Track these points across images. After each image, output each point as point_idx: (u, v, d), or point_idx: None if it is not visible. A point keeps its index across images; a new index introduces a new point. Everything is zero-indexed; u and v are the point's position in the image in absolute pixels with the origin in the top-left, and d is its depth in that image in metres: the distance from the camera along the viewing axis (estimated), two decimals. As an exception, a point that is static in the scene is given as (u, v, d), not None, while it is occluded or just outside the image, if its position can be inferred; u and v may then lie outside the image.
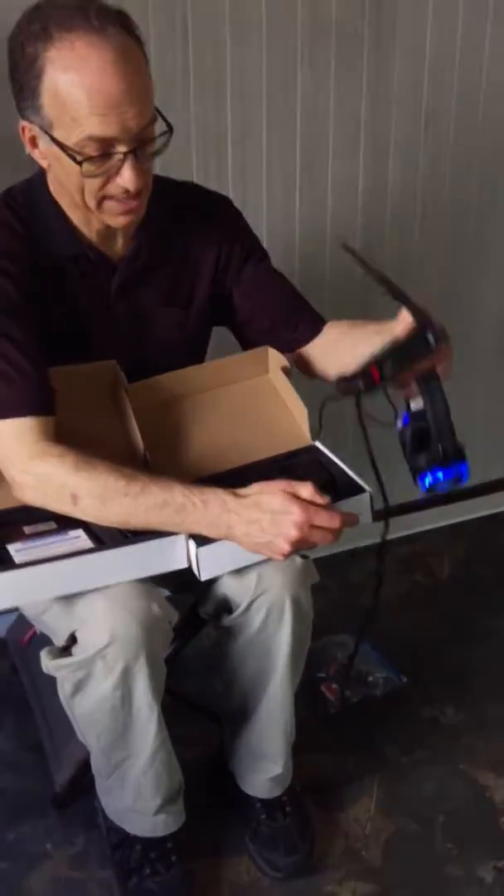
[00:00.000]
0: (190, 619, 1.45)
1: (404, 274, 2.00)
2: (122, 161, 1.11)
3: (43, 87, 1.08)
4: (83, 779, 1.43)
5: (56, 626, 1.23)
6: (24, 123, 1.14)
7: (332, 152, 1.82)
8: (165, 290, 1.32)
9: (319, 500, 1.09)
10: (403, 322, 1.16)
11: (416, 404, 1.18)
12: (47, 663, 1.21)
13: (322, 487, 1.21)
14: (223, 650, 1.38)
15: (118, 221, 1.20)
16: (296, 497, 1.08)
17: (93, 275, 1.27)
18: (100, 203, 1.16)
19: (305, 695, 1.46)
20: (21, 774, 1.61)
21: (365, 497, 1.23)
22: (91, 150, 1.09)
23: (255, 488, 1.11)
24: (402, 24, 1.78)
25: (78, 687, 1.20)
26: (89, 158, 1.10)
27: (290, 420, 1.35)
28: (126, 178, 1.12)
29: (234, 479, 1.26)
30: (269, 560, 1.22)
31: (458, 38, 1.83)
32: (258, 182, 1.78)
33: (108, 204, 1.16)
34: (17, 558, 1.10)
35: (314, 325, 1.38)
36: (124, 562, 1.14)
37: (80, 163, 1.10)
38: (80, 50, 1.05)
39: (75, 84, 1.06)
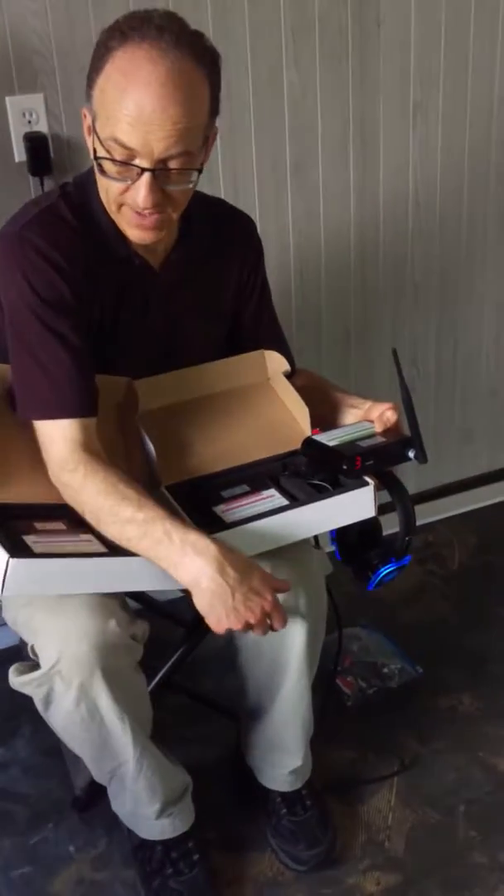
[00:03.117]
0: (202, 618, 1.46)
1: (398, 268, 2.02)
2: (140, 175, 1.13)
3: (99, 79, 1.13)
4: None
5: (24, 636, 1.24)
6: (84, 109, 1.18)
7: (321, 149, 1.83)
8: (200, 303, 1.35)
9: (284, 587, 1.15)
10: (381, 422, 1.29)
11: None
12: (13, 680, 1.21)
13: (325, 480, 1.24)
14: (237, 645, 1.38)
15: (133, 234, 1.21)
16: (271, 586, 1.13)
17: (137, 280, 1.28)
18: (119, 208, 1.18)
19: (321, 688, 1.46)
20: (42, 779, 1.62)
21: (367, 490, 1.23)
22: (115, 153, 1.12)
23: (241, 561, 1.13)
24: (386, 17, 1.78)
25: (46, 702, 1.20)
26: (110, 159, 1.13)
27: (291, 421, 1.36)
28: (139, 192, 1.14)
29: (238, 476, 1.28)
30: (280, 551, 1.23)
31: (442, 29, 1.84)
32: (249, 183, 1.79)
33: (125, 211, 1.18)
34: (36, 549, 1.10)
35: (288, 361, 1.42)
36: (136, 569, 1.15)
37: (98, 159, 1.14)
38: (138, 60, 1.09)
39: (119, 87, 1.10)
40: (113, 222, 1.23)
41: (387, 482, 1.27)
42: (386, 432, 1.29)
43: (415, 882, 1.42)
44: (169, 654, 1.46)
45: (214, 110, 1.18)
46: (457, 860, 1.45)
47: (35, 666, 1.20)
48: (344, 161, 1.86)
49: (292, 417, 1.36)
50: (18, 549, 1.09)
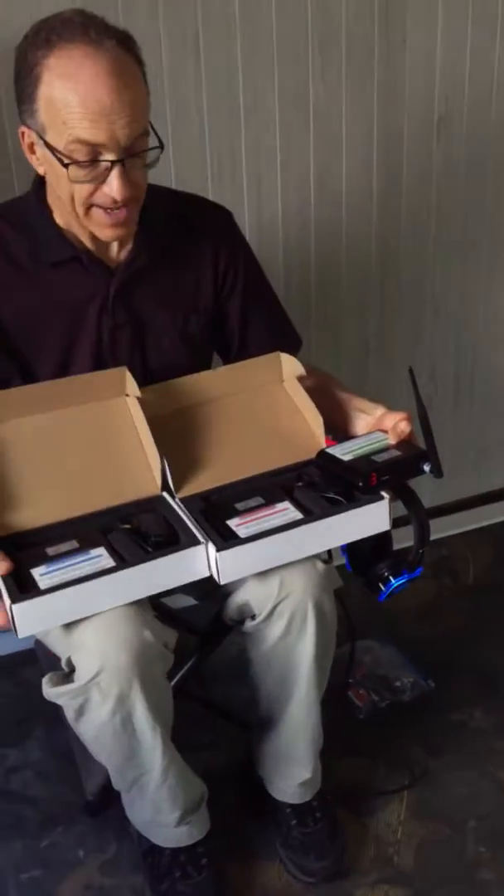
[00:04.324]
0: (215, 625, 1.46)
1: (418, 278, 2.02)
2: (109, 170, 1.14)
3: (39, 93, 1.13)
4: (114, 787, 1.44)
5: (57, 650, 1.24)
6: (22, 128, 1.18)
7: (345, 162, 1.84)
8: (164, 295, 1.34)
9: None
10: (395, 433, 1.28)
11: None
12: (48, 691, 1.21)
13: (339, 493, 1.24)
14: (248, 656, 1.38)
15: (105, 234, 1.22)
16: None
17: (90, 280, 1.29)
18: (87, 211, 1.19)
19: (333, 700, 1.46)
20: (52, 783, 1.63)
21: (382, 504, 1.23)
22: (79, 155, 1.13)
23: None
24: (412, 33, 1.79)
25: (79, 713, 1.20)
26: (76, 163, 1.13)
27: (305, 429, 1.35)
28: (113, 187, 1.15)
29: (252, 487, 1.27)
30: (291, 564, 1.24)
31: (468, 45, 1.85)
32: (273, 193, 1.80)
33: (95, 213, 1.19)
34: (42, 583, 1.10)
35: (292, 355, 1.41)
36: (146, 577, 1.14)
37: (66, 165, 1.14)
38: (77, 59, 1.10)
39: (68, 90, 1.10)
40: (58, 230, 1.26)
41: (402, 494, 1.27)
42: (400, 444, 1.29)
43: (423, 897, 1.42)
44: (182, 662, 1.46)
45: (147, 88, 1.19)
46: (465, 876, 1.45)
47: (68, 676, 1.20)
48: (367, 172, 1.87)
49: (306, 425, 1.35)
50: (24, 590, 1.09)
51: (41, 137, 1.15)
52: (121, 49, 1.13)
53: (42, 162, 1.20)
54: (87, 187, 1.16)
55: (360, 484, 1.22)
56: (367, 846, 1.50)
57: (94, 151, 1.13)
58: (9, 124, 1.54)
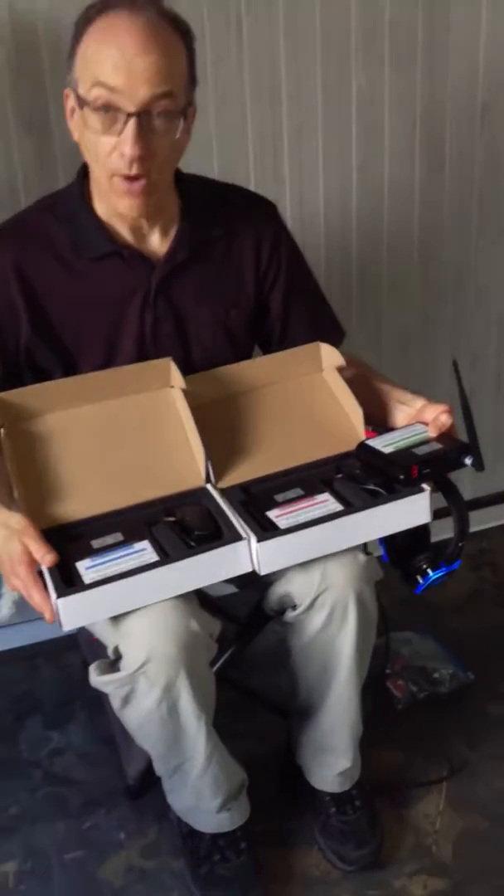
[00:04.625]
0: (255, 615, 1.47)
1: (461, 268, 2.01)
2: (125, 123, 1.15)
3: (78, 50, 1.18)
4: (154, 772, 1.46)
5: (104, 639, 1.26)
6: (66, 90, 1.22)
7: (387, 151, 1.83)
8: (205, 289, 1.35)
9: (45, 562, 1.13)
10: (436, 426, 1.28)
11: None
12: (95, 679, 1.23)
13: (379, 485, 1.24)
14: (288, 647, 1.39)
15: (124, 204, 1.22)
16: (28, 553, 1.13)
17: (131, 274, 1.30)
18: (110, 179, 1.20)
19: (372, 691, 1.46)
20: (94, 766, 1.65)
21: (423, 497, 1.22)
22: (98, 100, 1.15)
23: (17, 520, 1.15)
24: (456, 19, 1.78)
25: (125, 701, 1.22)
26: (95, 108, 1.15)
27: (344, 420, 1.35)
28: (126, 139, 1.16)
29: (291, 478, 1.28)
30: (332, 556, 1.25)
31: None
32: (315, 180, 1.80)
33: (115, 182, 1.20)
34: (87, 577, 1.12)
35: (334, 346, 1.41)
36: (189, 572, 1.15)
37: (83, 106, 1.17)
38: (116, 21, 1.16)
39: (100, 41, 1.15)
40: (100, 222, 1.27)
41: (442, 486, 1.27)
42: (441, 437, 1.28)
43: (461, 889, 1.42)
44: (222, 650, 1.48)
45: (193, 78, 1.22)
46: (504, 869, 1.45)
47: (114, 664, 1.21)
48: (410, 162, 1.86)
49: (346, 416, 1.35)
50: (69, 584, 1.11)
51: (75, 92, 1.19)
52: (161, 19, 1.17)
53: (76, 126, 1.22)
54: (106, 145, 1.17)
55: (401, 477, 1.22)
56: (406, 836, 1.50)
57: (113, 98, 1.15)
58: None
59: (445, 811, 1.54)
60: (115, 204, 1.24)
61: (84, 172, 1.30)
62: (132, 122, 1.15)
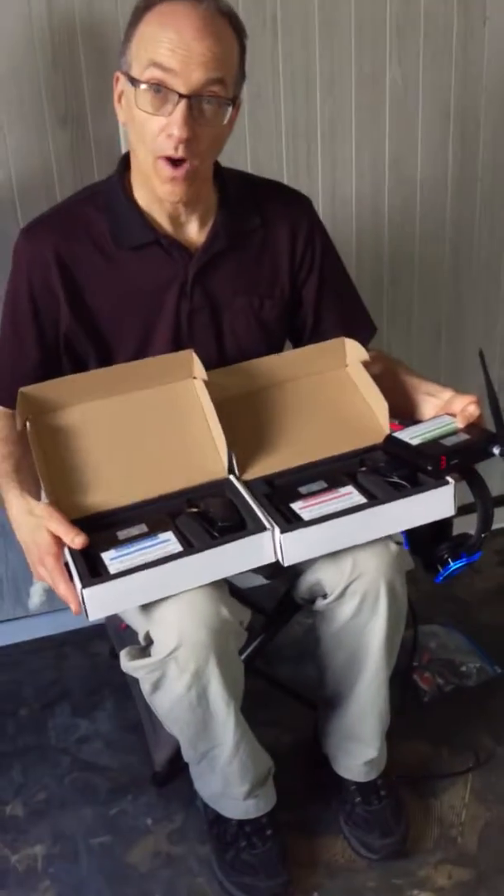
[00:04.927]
0: (284, 604, 1.49)
1: (492, 263, 2.00)
2: (176, 105, 1.17)
3: (136, 32, 1.21)
4: (181, 759, 1.47)
5: (135, 624, 1.27)
6: (117, 73, 1.24)
7: (420, 146, 1.83)
8: (241, 280, 1.36)
9: (75, 545, 1.15)
10: (464, 417, 1.29)
11: None
12: (126, 664, 1.24)
13: (403, 478, 1.24)
14: (318, 635, 1.40)
15: (165, 189, 1.24)
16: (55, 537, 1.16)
17: (169, 263, 1.32)
18: (155, 162, 1.22)
19: (399, 684, 1.47)
20: (122, 753, 1.67)
21: (448, 489, 1.23)
22: (152, 80, 1.17)
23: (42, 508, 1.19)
24: (493, 12, 1.77)
25: (156, 686, 1.23)
26: (148, 86, 1.17)
27: (369, 414, 1.35)
28: (175, 120, 1.17)
29: (315, 471, 1.28)
30: (363, 545, 1.25)
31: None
32: (348, 176, 1.80)
33: (159, 166, 1.22)
34: (112, 567, 1.13)
35: (364, 341, 1.42)
36: (213, 563, 1.16)
37: (136, 84, 1.19)
38: (176, 7, 1.18)
39: (158, 25, 1.18)
40: (140, 212, 1.29)
41: (468, 477, 1.27)
42: (469, 427, 1.28)
43: (487, 879, 1.42)
44: (250, 640, 1.49)
45: (243, 73, 1.25)
46: (530, 861, 1.45)
47: (145, 650, 1.23)
48: (444, 157, 1.86)
49: (370, 410, 1.36)
50: (94, 574, 1.12)
51: (126, 74, 1.21)
52: (217, 12, 1.20)
53: (125, 108, 1.24)
54: (154, 126, 1.19)
55: (430, 468, 1.22)
56: (431, 827, 1.51)
57: (166, 82, 1.17)
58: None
59: (471, 802, 1.55)
60: (156, 188, 1.25)
61: (126, 164, 1.32)
62: (183, 104, 1.17)
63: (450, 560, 1.27)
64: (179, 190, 1.24)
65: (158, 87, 1.17)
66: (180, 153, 1.19)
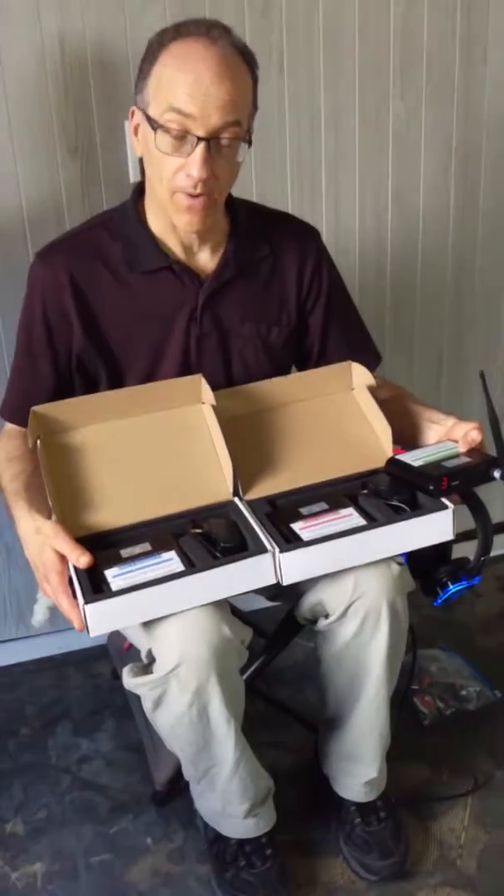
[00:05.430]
0: (286, 624, 1.50)
1: (492, 294, 2.04)
2: (195, 147, 1.21)
3: (153, 70, 1.24)
4: (181, 779, 1.48)
5: (137, 642, 1.29)
6: (133, 108, 1.28)
7: (423, 180, 1.88)
8: (249, 307, 1.40)
9: (80, 564, 1.16)
10: (466, 442, 1.31)
11: None
12: (128, 681, 1.26)
13: (403, 502, 1.26)
14: (319, 655, 1.41)
15: (183, 220, 1.28)
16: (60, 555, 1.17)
17: (180, 289, 1.35)
18: (172, 195, 1.26)
19: (398, 706, 1.48)
20: (122, 772, 1.68)
21: (447, 514, 1.24)
22: (170, 123, 1.21)
23: (49, 527, 1.20)
24: (493, 51, 1.83)
25: (157, 703, 1.24)
26: (166, 130, 1.21)
27: (372, 438, 1.37)
28: (194, 161, 1.21)
29: (317, 493, 1.30)
30: (365, 566, 1.27)
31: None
32: (351, 207, 1.85)
33: (177, 197, 1.26)
34: (115, 584, 1.15)
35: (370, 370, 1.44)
36: (214, 582, 1.17)
37: (155, 129, 1.22)
38: (192, 47, 1.21)
39: (177, 66, 1.21)
40: (153, 239, 1.33)
41: (468, 500, 1.29)
42: (470, 452, 1.31)
43: (485, 902, 1.43)
44: (251, 661, 1.50)
45: (255, 104, 1.28)
46: (529, 885, 1.45)
47: (147, 667, 1.24)
48: (445, 189, 1.91)
49: (374, 434, 1.38)
50: (96, 590, 1.14)
51: (143, 112, 1.25)
52: (234, 51, 1.23)
53: (141, 142, 1.28)
54: (172, 165, 1.23)
55: (431, 488, 1.25)
56: (430, 849, 1.51)
57: (185, 124, 1.20)
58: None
59: (470, 826, 1.55)
60: (174, 219, 1.29)
61: (139, 191, 1.36)
62: (201, 146, 1.21)
63: (449, 583, 1.28)
64: (197, 220, 1.28)
65: (178, 132, 1.21)
66: (199, 190, 1.23)
